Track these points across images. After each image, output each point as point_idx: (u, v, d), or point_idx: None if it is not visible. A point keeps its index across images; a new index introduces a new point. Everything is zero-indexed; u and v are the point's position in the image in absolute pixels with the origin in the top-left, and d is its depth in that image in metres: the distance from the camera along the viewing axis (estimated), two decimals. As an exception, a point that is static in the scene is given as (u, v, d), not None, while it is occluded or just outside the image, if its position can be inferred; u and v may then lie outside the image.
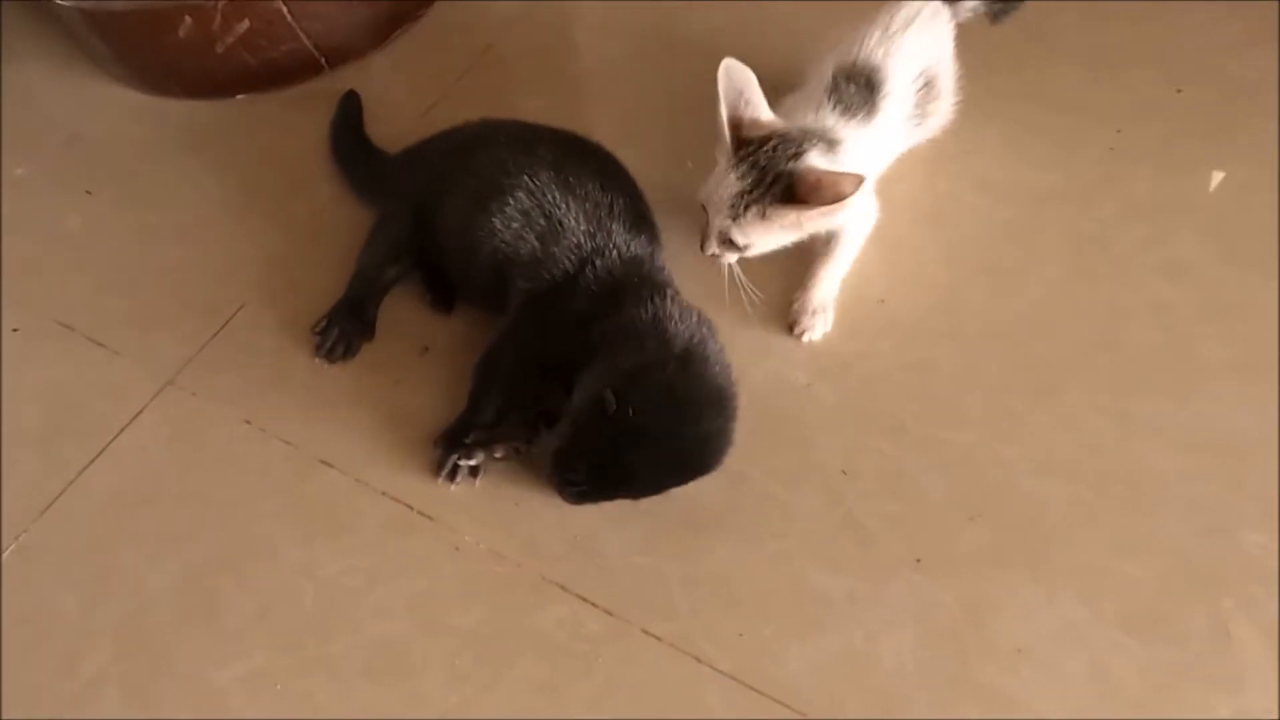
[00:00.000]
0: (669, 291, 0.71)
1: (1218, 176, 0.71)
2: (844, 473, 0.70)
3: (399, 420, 0.78)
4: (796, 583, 0.65)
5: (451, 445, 0.73)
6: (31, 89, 1.21)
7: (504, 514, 0.71)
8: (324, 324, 0.84)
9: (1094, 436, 0.69)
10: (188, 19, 1.03)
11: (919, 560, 0.65)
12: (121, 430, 0.81)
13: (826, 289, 0.79)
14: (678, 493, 0.70)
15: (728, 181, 0.71)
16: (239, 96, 1.13)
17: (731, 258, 0.75)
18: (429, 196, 0.86)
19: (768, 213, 0.70)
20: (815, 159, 0.69)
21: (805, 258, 0.81)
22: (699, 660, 0.62)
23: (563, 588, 0.67)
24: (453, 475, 0.72)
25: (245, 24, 1.05)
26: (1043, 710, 0.57)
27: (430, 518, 0.72)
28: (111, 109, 1.16)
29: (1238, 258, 0.79)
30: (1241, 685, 0.57)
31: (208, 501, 0.75)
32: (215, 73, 1.10)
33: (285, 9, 1.05)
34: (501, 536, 0.70)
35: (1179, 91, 0.93)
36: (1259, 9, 0.99)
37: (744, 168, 0.70)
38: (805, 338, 0.78)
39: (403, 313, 0.86)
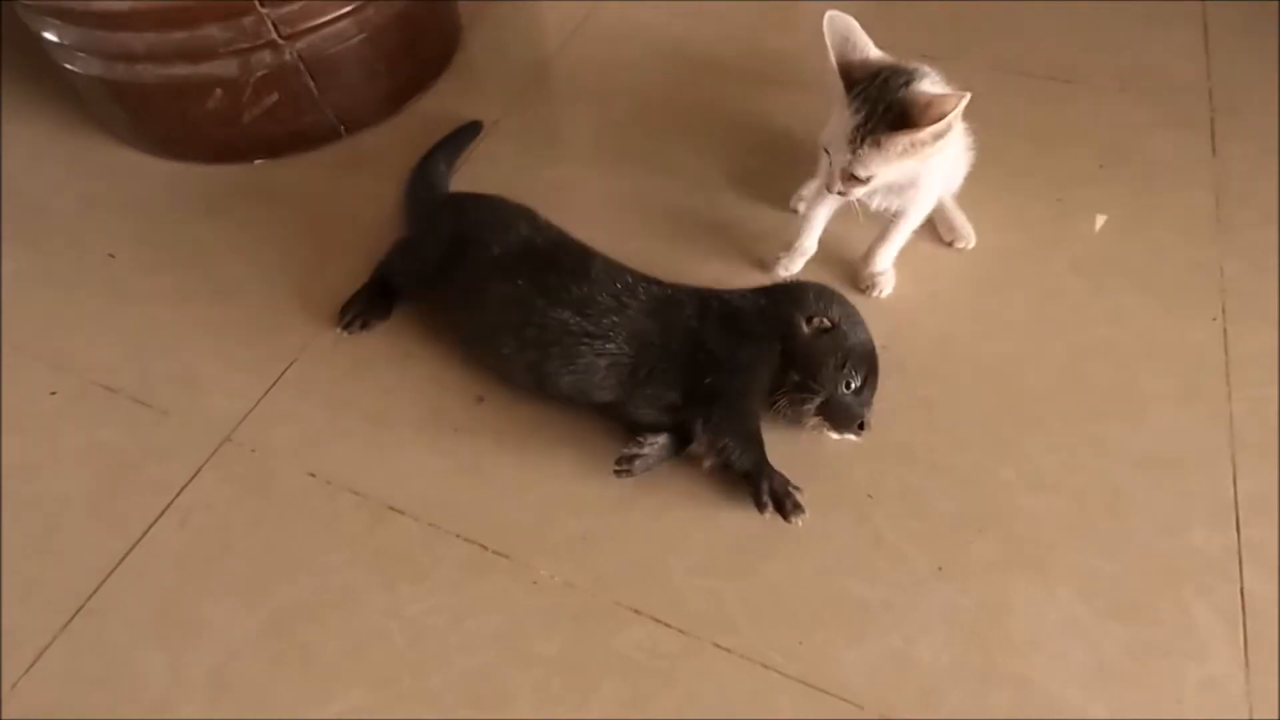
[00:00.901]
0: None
1: (1101, 219, 0.87)
2: (869, 497, 0.81)
3: (462, 466, 0.85)
4: (839, 594, 0.74)
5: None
6: (37, 151, 1.23)
7: (574, 548, 0.78)
8: (348, 304, 0.97)
9: (1072, 457, 0.83)
10: (218, 91, 1.08)
11: (940, 569, 0.76)
12: (182, 489, 0.84)
13: (894, 248, 0.94)
14: (730, 521, 0.79)
15: (844, 119, 0.79)
16: (257, 161, 1.18)
17: (856, 193, 0.83)
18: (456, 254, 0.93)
19: (883, 141, 0.77)
20: (924, 85, 0.78)
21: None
22: (767, 667, 0.71)
23: (636, 611, 0.74)
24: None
25: (274, 97, 1.11)
26: (1057, 691, 0.68)
27: (505, 556, 0.78)
28: (123, 173, 1.19)
29: (1166, 300, 0.95)
30: (1206, 656, 0.70)
31: (281, 554, 0.79)
32: (237, 141, 1.15)
33: (313, 84, 1.12)
34: (573, 568, 0.77)
35: (1101, 167, 1.11)
36: (1169, 97, 1.19)
37: (858, 103, 0.77)
38: (877, 294, 0.95)
39: (454, 365, 0.93)
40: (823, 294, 0.85)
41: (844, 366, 0.79)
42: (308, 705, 0.70)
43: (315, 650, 0.73)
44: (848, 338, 0.81)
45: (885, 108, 0.77)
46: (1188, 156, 1.12)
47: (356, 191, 1.13)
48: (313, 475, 0.85)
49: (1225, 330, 0.92)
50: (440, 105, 1.27)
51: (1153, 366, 0.90)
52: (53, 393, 0.93)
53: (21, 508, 0.84)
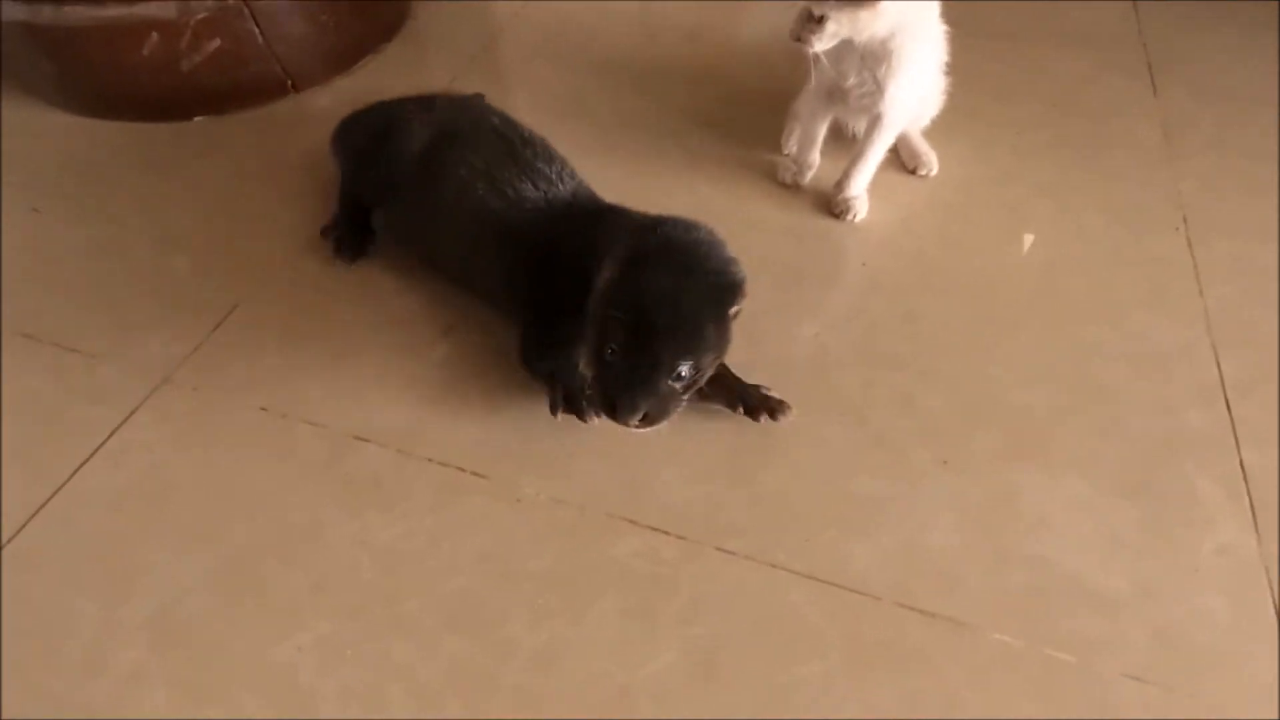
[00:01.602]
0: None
1: (1029, 239, 0.91)
2: (863, 401, 0.78)
3: (431, 395, 0.79)
4: (844, 493, 0.71)
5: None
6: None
7: (557, 465, 0.73)
8: (330, 230, 0.92)
9: (1056, 355, 0.82)
10: (154, 35, 1.02)
11: (945, 462, 0.73)
12: (113, 431, 0.76)
13: (867, 170, 0.94)
14: (723, 429, 0.75)
15: None
16: (197, 119, 1.12)
17: (817, 45, 0.82)
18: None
19: None
20: None
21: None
22: (775, 566, 0.66)
23: (631, 522, 0.69)
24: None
25: (216, 43, 1.05)
26: (1074, 566, 0.66)
27: (484, 476, 0.72)
28: (49, 133, 1.11)
29: (1129, 217, 0.97)
30: (1215, 525, 0.68)
31: (234, 491, 0.71)
32: (176, 93, 1.09)
33: (259, 30, 1.07)
34: (561, 485, 0.71)
35: (1053, 107, 1.15)
36: (1106, 50, 1.25)
37: None
38: (850, 219, 0.95)
39: (419, 299, 0.87)
40: (660, 231, 0.67)
41: (604, 324, 0.63)
42: (265, 641, 0.62)
43: (273, 586, 0.65)
44: (626, 286, 0.63)
45: None
46: (1132, 97, 1.17)
47: (306, 147, 1.07)
48: (264, 409, 0.77)
49: (1189, 239, 0.94)
50: (391, 68, 1.23)
51: (1124, 274, 0.91)
52: (-35, 345, 0.84)
53: (-77, 460, 0.74)
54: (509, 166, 0.81)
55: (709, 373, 0.67)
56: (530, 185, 0.79)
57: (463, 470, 0.72)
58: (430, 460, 0.73)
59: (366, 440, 0.75)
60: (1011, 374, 0.80)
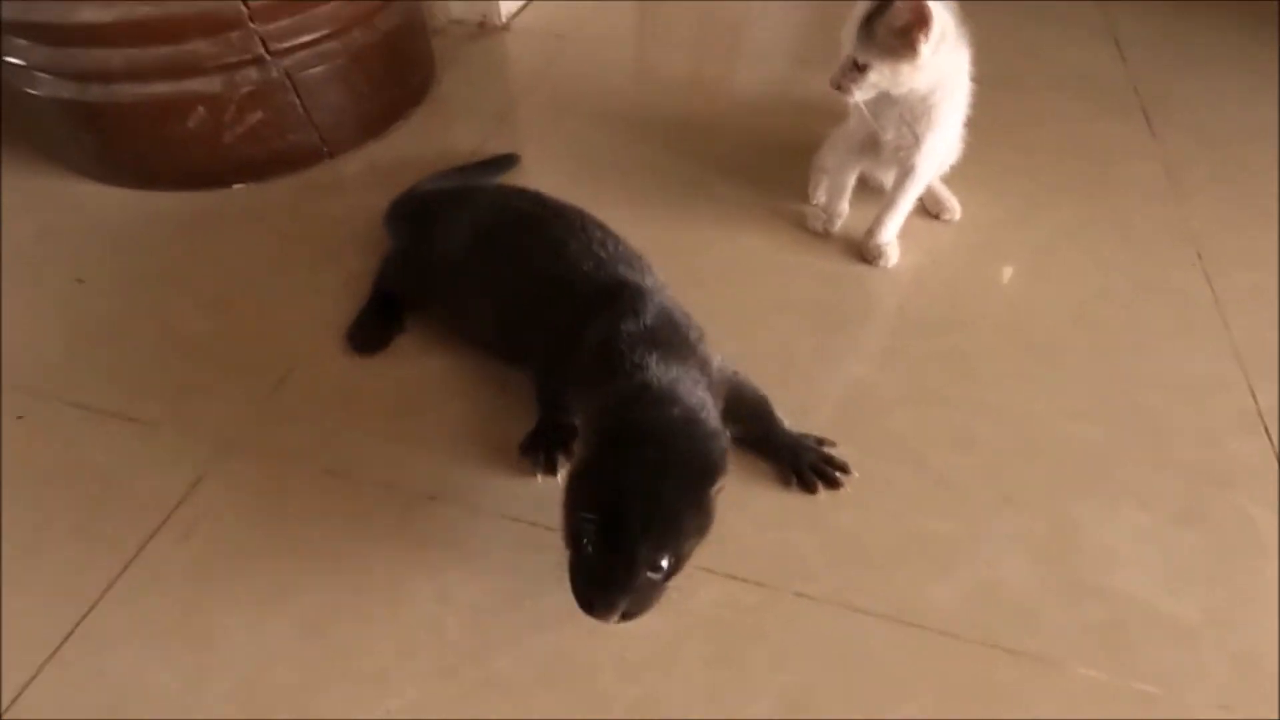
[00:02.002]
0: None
1: (1008, 271, 0.95)
2: (920, 441, 0.80)
3: (497, 448, 0.79)
4: (914, 533, 0.72)
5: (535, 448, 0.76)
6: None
7: (630, 517, 0.74)
8: (355, 321, 0.91)
9: (1097, 387, 0.85)
10: (200, 109, 1.05)
11: (1008, 499, 0.75)
12: (181, 501, 0.76)
13: (898, 217, 0.98)
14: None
15: (858, 9, 0.82)
16: (236, 186, 1.14)
17: (857, 94, 0.85)
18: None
19: (878, 34, 0.80)
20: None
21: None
22: (855, 609, 0.67)
23: (709, 571, 0.69)
24: (552, 468, 0.74)
25: (259, 114, 1.08)
26: (1145, 597, 0.67)
27: (557, 530, 0.72)
28: (87, 204, 1.13)
29: (1147, 251, 1.02)
30: (1268, 554, 0.71)
31: (306, 556, 0.71)
32: (217, 163, 1.11)
33: (299, 101, 1.10)
34: (634, 537, 0.72)
35: (1057, 152, 1.20)
36: (1100, 94, 1.32)
37: None
38: (883, 264, 0.98)
39: (472, 357, 0.89)
40: (634, 414, 0.62)
41: (577, 519, 0.59)
42: (355, 708, 0.61)
43: (357, 650, 0.65)
44: (598, 479, 0.60)
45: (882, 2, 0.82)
46: (1130, 139, 1.23)
47: (346, 209, 1.10)
48: (330, 472, 0.78)
49: (1206, 272, 0.99)
50: (421, 132, 1.27)
51: (1150, 308, 0.95)
52: (19, 416, 0.84)
53: (-11, 537, 0.73)
54: (574, 245, 0.81)
55: (691, 553, 0.61)
56: (591, 262, 0.79)
57: (535, 525, 0.73)
58: (503, 516, 0.74)
59: (437, 498, 0.75)
60: (1058, 406, 0.83)
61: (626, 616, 0.58)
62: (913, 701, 0.61)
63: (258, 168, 1.13)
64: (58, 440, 0.81)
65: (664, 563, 0.57)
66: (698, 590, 0.68)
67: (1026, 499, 0.75)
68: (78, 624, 0.67)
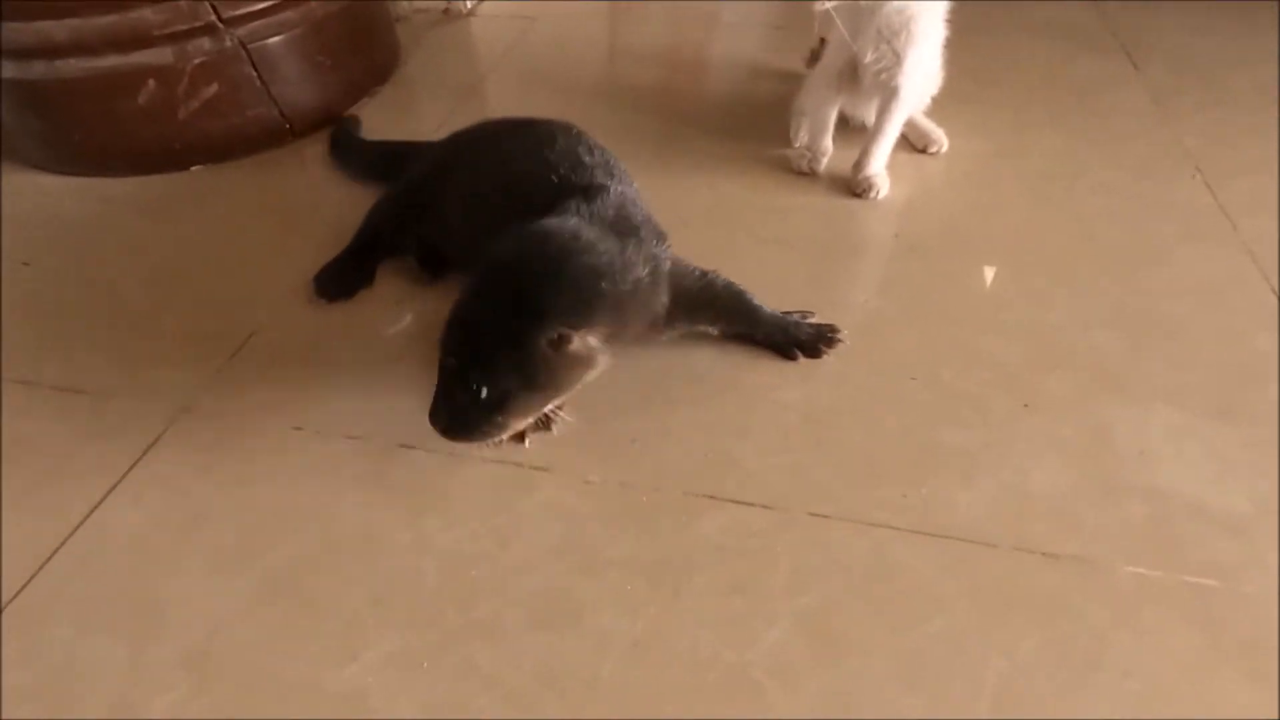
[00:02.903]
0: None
1: (990, 271, 0.87)
2: (930, 358, 0.75)
3: (474, 397, 0.73)
4: (932, 445, 0.67)
5: None
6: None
7: (621, 451, 0.68)
8: (324, 269, 0.87)
9: (1114, 298, 0.80)
10: (151, 82, 1.00)
11: (1026, 405, 0.69)
12: (131, 466, 0.69)
13: (884, 147, 0.95)
14: (794, 398, 0.71)
15: None
16: (194, 169, 1.09)
17: None
18: (441, 171, 0.87)
19: None
20: None
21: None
22: (875, 525, 0.61)
23: (712, 498, 0.63)
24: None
25: (214, 88, 1.04)
26: (1191, 492, 0.62)
27: (545, 469, 0.66)
28: (35, 193, 1.07)
29: (1144, 170, 0.98)
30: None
31: (273, 513, 0.65)
32: (172, 143, 1.06)
33: (256, 73, 1.06)
34: (628, 470, 0.66)
35: (1041, 88, 1.18)
36: (1078, 37, 1.30)
37: None
38: (874, 196, 0.95)
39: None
40: (508, 242, 0.62)
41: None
42: (326, 665, 0.54)
43: (326, 605, 0.58)
44: (458, 300, 0.61)
45: None
46: (1114, 73, 1.21)
47: (310, 188, 1.05)
48: (299, 429, 0.71)
49: (1207, 184, 0.95)
50: (387, 108, 1.22)
51: (1156, 220, 0.91)
52: (-44, 397, 0.77)
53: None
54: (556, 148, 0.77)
55: (531, 403, 0.61)
56: (569, 164, 0.74)
57: (520, 465, 0.67)
58: (485, 460, 0.68)
59: (413, 447, 0.69)
60: (1075, 319, 0.78)
61: (449, 433, 0.60)
62: (944, 616, 0.55)
63: (216, 147, 1.08)
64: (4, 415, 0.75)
65: (483, 393, 0.58)
66: (700, 518, 0.62)
67: (1049, 405, 0.70)
68: (15, 595, 0.60)
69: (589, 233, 0.62)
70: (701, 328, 0.75)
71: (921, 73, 0.91)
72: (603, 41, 1.44)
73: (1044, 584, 0.57)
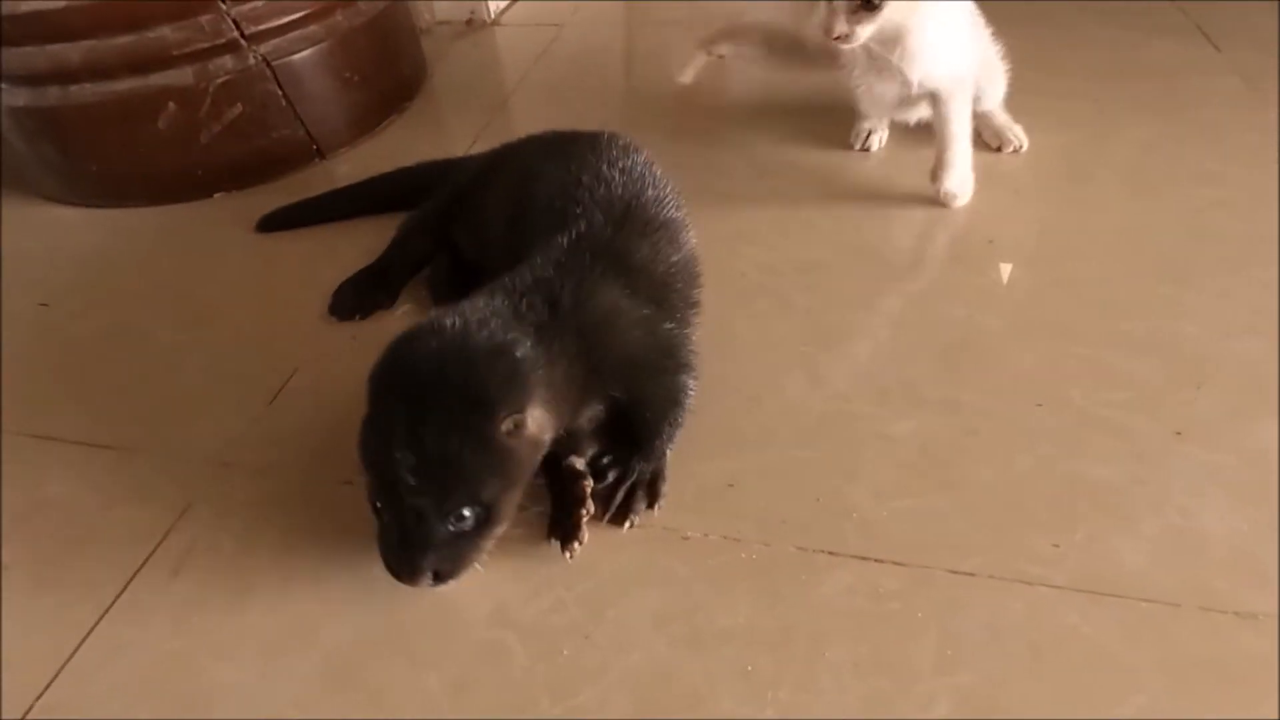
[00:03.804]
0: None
1: (1006, 269, 0.81)
2: (1055, 378, 0.66)
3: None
4: (1075, 482, 0.58)
5: None
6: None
7: (720, 498, 0.60)
8: (341, 286, 0.82)
9: (1249, 301, 0.72)
10: (171, 105, 0.94)
11: (1178, 433, 0.61)
12: (168, 531, 0.62)
13: (957, 159, 0.85)
14: (904, 431, 0.63)
15: None
16: (217, 195, 1.02)
17: (863, 31, 0.73)
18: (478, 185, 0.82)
19: None
20: None
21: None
22: (1029, 583, 0.52)
23: (831, 554, 0.55)
24: None
25: (237, 108, 0.97)
26: (1391, 532, 0.53)
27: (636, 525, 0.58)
28: (52, 227, 1.01)
29: (1249, 159, 0.90)
30: None
31: (326, 583, 0.57)
32: (194, 169, 0.99)
33: (281, 91, 0.99)
34: (728, 521, 0.58)
35: (1119, 72, 1.09)
36: (1147, 19, 1.22)
37: None
38: (957, 203, 0.86)
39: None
40: (396, 351, 0.54)
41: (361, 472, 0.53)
42: (406, 771, 0.47)
43: (398, 693, 0.50)
44: (366, 430, 0.53)
45: None
46: (1194, 55, 1.12)
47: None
48: (349, 484, 0.64)
49: (1325, 172, 0.87)
50: (416, 126, 1.16)
51: (1272, 210, 0.82)
52: (-31, 456, 0.70)
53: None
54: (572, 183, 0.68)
55: (509, 505, 0.53)
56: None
57: (602, 521, 0.59)
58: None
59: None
60: (1209, 328, 0.69)
61: (442, 577, 0.51)
62: (1139, 692, 0.46)
63: (240, 171, 1.01)
64: (16, 477, 0.67)
65: (466, 512, 0.50)
66: (821, 577, 0.54)
67: (1202, 431, 0.61)
68: (47, 686, 0.52)
69: (499, 297, 0.56)
70: (595, 405, 0.59)
71: (956, 69, 0.82)
72: (627, 49, 1.37)
73: (1248, 649, 0.48)
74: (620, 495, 0.59)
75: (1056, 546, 0.54)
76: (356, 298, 0.80)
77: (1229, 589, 0.51)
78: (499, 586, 0.55)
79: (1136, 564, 0.53)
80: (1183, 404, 0.63)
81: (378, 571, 0.57)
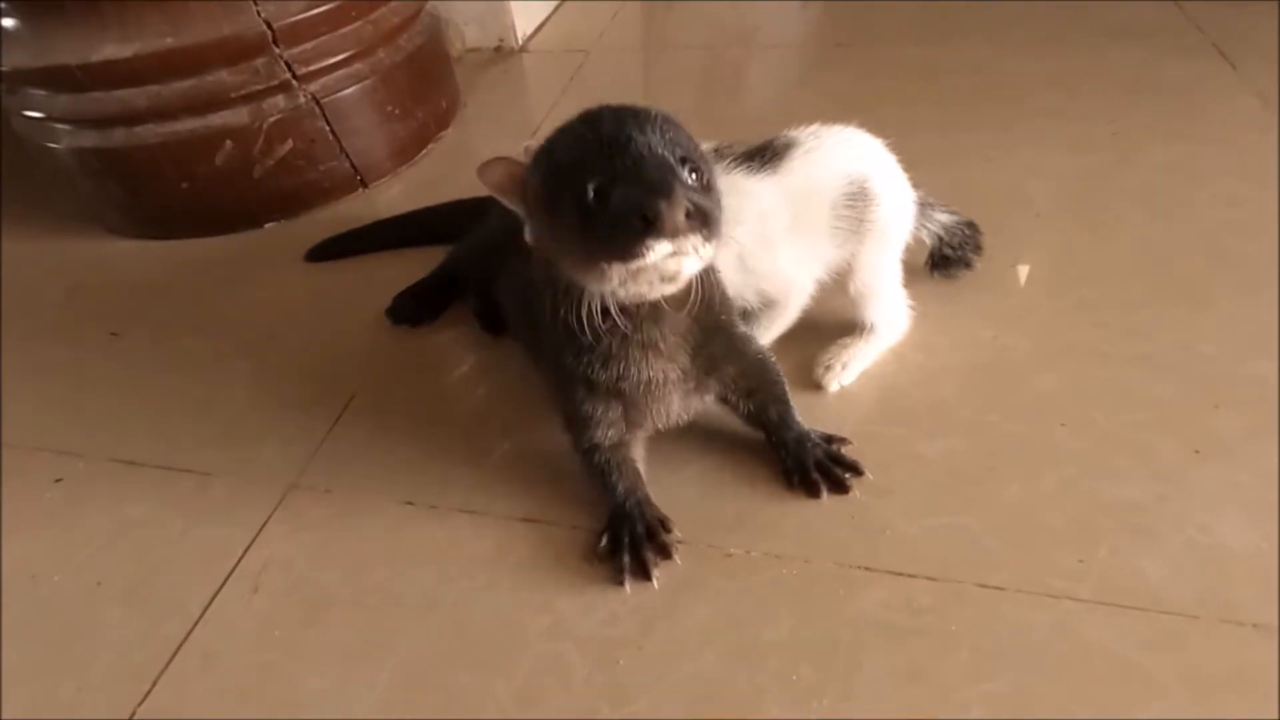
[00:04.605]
0: None
1: (1024, 270, 0.83)
2: (1076, 399, 0.69)
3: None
4: (1098, 501, 0.61)
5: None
6: (9, 254, 1.09)
7: (760, 517, 0.63)
8: (400, 295, 0.88)
9: (1262, 321, 0.74)
10: (228, 143, 0.99)
11: (1197, 451, 0.64)
12: (248, 548, 0.67)
13: (856, 358, 0.74)
14: (934, 452, 0.66)
15: None
16: (268, 225, 1.08)
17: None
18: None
19: None
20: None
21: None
22: (1054, 597, 0.56)
23: (867, 569, 0.59)
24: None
25: (289, 145, 1.03)
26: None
27: (681, 541, 0.62)
28: (117, 260, 1.07)
29: (1269, 179, 0.92)
30: None
31: (398, 597, 0.62)
32: (247, 201, 1.05)
33: (329, 127, 1.04)
34: (771, 539, 0.62)
35: (1134, 95, 1.12)
36: (1161, 38, 1.24)
37: None
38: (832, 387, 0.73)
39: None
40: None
41: (558, 191, 0.51)
42: (481, 772, 0.51)
43: (468, 702, 0.54)
44: (560, 143, 0.53)
45: None
46: (1210, 74, 1.14)
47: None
48: (411, 504, 0.68)
49: (1344, 192, 0.89)
50: (453, 154, 1.21)
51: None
52: (58, 480, 0.75)
53: (39, 614, 0.64)
54: None
55: (716, 188, 0.53)
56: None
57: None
58: (614, 532, 0.64)
59: (534, 520, 0.66)
60: (1227, 349, 0.72)
61: (699, 216, 0.48)
62: (1161, 699, 0.50)
63: (290, 203, 1.07)
64: (103, 500, 0.73)
65: (688, 175, 0.50)
66: (859, 592, 0.58)
67: (1220, 450, 0.64)
68: (141, 701, 0.57)
69: None
70: (728, 394, 0.66)
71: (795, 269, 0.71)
72: (655, 73, 1.41)
73: (1261, 660, 0.51)
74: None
75: (1081, 562, 0.57)
76: (416, 307, 0.87)
77: (1247, 602, 0.54)
78: (556, 601, 0.60)
79: (1158, 578, 0.56)
80: (1201, 424, 0.66)
81: (439, 585, 0.62)
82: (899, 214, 0.73)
